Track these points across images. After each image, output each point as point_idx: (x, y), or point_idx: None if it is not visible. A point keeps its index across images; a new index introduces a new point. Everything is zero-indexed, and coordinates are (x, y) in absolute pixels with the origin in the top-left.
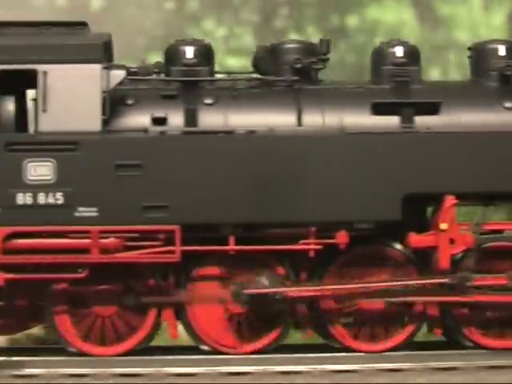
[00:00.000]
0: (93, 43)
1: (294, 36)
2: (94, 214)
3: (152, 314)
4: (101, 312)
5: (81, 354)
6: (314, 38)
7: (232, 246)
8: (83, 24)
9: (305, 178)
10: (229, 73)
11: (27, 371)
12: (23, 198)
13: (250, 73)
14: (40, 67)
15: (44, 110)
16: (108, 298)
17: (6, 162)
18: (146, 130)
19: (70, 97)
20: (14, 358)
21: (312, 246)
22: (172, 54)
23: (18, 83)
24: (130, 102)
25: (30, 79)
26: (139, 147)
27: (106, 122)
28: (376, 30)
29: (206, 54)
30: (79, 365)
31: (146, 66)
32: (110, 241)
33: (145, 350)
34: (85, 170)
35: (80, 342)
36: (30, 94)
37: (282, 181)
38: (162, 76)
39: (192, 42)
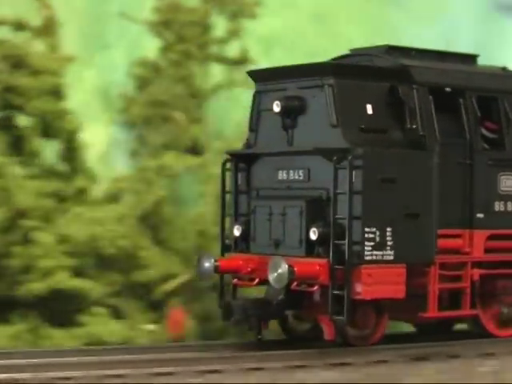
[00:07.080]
0: None
1: None
2: None
3: None
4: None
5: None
6: None
7: None
8: (475, 56)
9: None
10: None
11: None
12: (498, 206)
13: None
14: (500, 96)
15: (508, 133)
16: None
17: (488, 175)
18: None
19: None
20: None
21: None
22: None
23: None
24: None
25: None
26: None
27: None
28: None
29: None
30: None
31: None
32: None
33: None
34: None
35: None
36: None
37: None
38: None
39: None
